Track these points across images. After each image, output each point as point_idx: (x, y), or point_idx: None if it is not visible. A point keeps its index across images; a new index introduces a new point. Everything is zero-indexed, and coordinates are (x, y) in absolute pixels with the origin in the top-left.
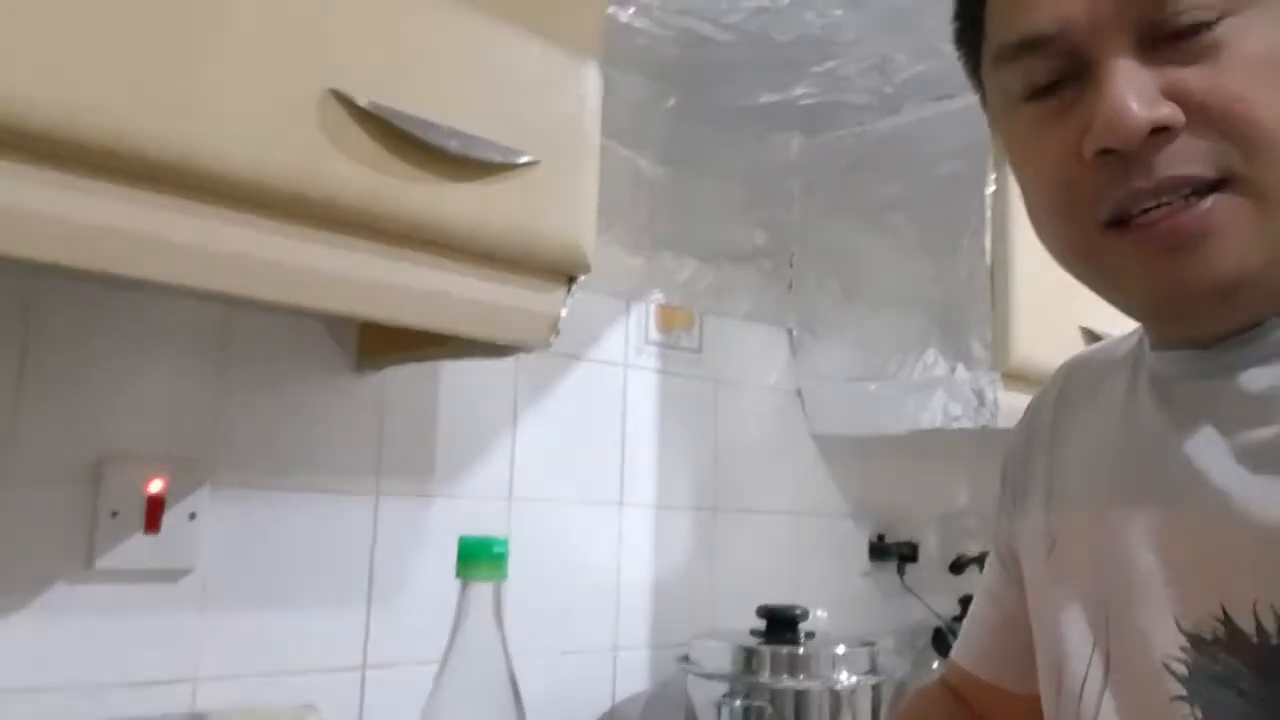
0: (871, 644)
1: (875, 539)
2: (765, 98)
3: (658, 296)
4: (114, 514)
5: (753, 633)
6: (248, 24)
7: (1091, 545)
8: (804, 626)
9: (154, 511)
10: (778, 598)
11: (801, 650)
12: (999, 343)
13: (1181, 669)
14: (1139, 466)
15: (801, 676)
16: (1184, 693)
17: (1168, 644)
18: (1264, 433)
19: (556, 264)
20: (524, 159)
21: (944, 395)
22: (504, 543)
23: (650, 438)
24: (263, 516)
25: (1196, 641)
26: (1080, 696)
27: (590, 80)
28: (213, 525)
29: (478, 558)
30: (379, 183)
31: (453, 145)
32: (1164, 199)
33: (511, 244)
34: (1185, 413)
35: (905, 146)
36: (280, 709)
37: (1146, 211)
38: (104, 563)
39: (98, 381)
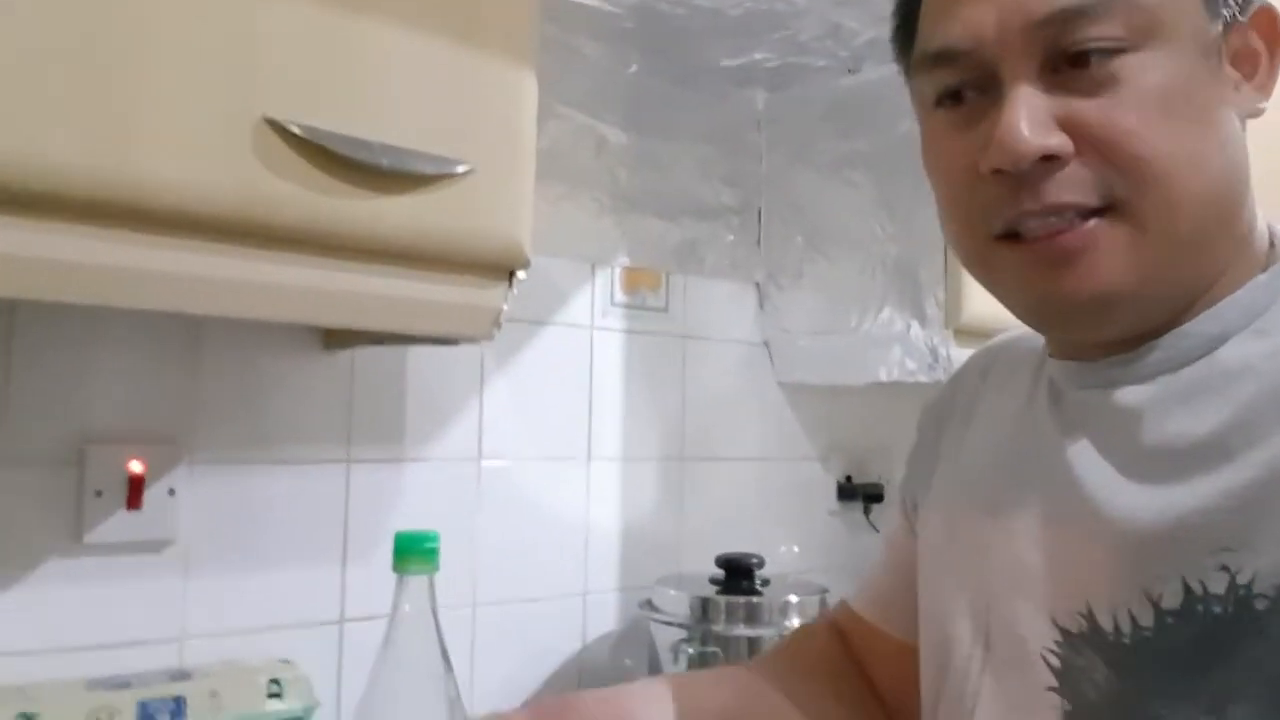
0: (825, 591)
1: (843, 480)
2: (727, 61)
3: (624, 259)
4: (98, 493)
5: (712, 580)
6: (178, 60)
7: (982, 533)
8: (760, 574)
9: (135, 490)
10: (747, 538)
11: (755, 599)
12: (952, 301)
13: (1056, 661)
14: (1029, 465)
15: (754, 624)
16: (1056, 684)
17: (1043, 636)
18: (1134, 445)
19: (497, 262)
20: (460, 168)
21: (900, 351)
22: (435, 536)
23: (617, 395)
24: (239, 488)
25: (1067, 635)
26: (966, 675)
27: (524, 84)
28: (191, 499)
29: (411, 553)
30: (317, 202)
31: (385, 162)
32: (1050, 219)
33: (452, 247)
34: (1071, 420)
35: (867, 104)
36: (259, 664)
37: (1032, 228)
38: (91, 538)
39: (79, 368)
